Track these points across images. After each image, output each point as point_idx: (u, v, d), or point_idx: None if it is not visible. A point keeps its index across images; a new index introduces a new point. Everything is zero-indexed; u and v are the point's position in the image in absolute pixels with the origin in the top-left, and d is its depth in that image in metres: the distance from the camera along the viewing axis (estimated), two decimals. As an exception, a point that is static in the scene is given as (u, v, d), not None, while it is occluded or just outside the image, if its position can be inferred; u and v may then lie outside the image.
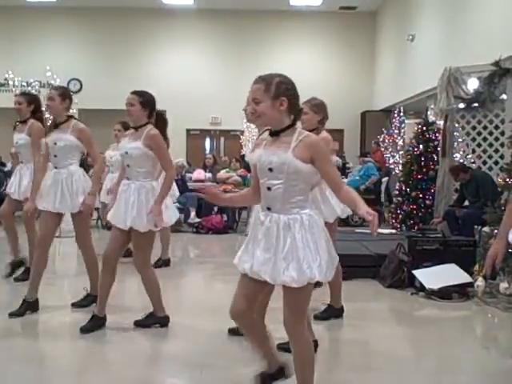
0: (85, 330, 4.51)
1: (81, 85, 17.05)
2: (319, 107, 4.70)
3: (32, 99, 6.01)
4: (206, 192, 3.16)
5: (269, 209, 2.90)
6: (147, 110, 4.53)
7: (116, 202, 4.62)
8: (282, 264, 2.81)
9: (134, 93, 4.56)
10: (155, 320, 4.72)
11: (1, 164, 13.43)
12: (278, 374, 3.20)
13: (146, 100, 4.53)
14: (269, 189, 2.87)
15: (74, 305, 5.31)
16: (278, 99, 2.86)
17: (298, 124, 3.01)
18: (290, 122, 2.91)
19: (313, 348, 3.03)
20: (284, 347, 3.45)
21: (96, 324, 4.57)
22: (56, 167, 5.06)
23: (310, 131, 4.60)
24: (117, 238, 4.55)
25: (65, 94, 5.05)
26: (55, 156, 5.04)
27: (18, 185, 6.12)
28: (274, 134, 2.91)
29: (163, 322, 4.72)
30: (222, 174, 11.63)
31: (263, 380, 3.19)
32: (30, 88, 15.22)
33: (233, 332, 4.38)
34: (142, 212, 4.43)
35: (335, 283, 4.93)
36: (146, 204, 4.46)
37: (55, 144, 4.98)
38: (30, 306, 5.00)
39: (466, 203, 8.13)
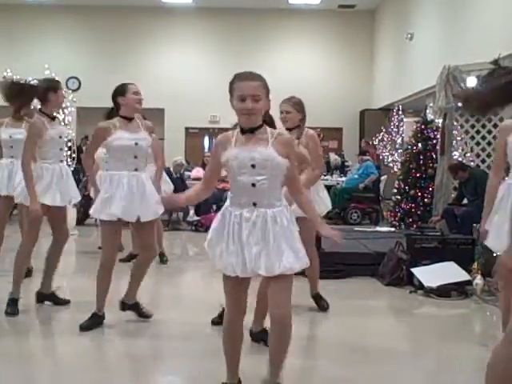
0: (84, 327, 4.51)
1: (79, 83, 17.04)
2: (300, 106, 4.77)
3: None
4: (163, 203, 3.31)
5: (254, 204, 2.93)
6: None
7: (126, 195, 4.47)
8: (276, 255, 2.88)
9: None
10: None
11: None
12: None
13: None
14: (253, 185, 2.91)
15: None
16: (267, 98, 3.01)
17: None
18: (261, 120, 3.01)
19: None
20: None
21: (95, 322, 4.56)
22: (61, 161, 5.08)
23: (291, 129, 4.64)
24: (114, 237, 4.57)
25: None
26: (61, 149, 5.05)
27: (6, 180, 6.09)
28: (250, 131, 2.98)
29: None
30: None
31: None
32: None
33: (216, 323, 4.49)
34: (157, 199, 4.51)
35: (314, 272, 5.00)
36: (154, 192, 4.60)
37: (60, 137, 4.98)
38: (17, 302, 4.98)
39: (465, 201, 8.13)
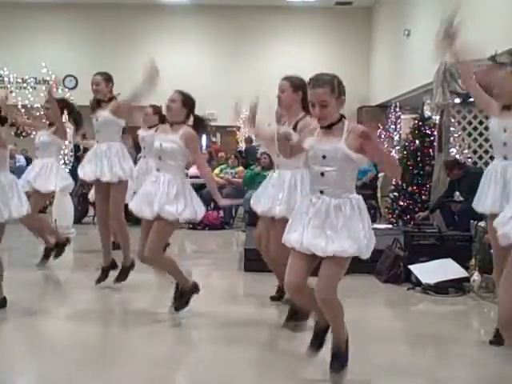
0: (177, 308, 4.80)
1: (76, 81, 17.02)
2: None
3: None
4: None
5: (321, 192, 3.23)
6: (186, 110, 4.75)
7: (142, 192, 4.72)
8: (332, 238, 3.17)
9: (179, 91, 4.83)
10: (188, 295, 4.81)
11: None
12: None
13: (187, 100, 4.78)
14: (322, 174, 3.22)
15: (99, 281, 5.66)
16: (339, 99, 3.24)
17: None
18: (339, 115, 3.26)
19: (343, 308, 3.39)
20: None
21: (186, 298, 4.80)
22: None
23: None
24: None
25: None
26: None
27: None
28: (327, 127, 3.24)
29: (195, 289, 4.85)
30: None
31: (321, 333, 3.59)
32: (25, 85, 15.20)
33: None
34: (173, 202, 4.53)
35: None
36: (176, 196, 4.57)
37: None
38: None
39: (456, 198, 8.14)
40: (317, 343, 3.56)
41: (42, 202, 6.65)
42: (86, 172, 5.64)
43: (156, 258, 4.66)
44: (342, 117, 3.26)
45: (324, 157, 3.20)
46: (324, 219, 3.19)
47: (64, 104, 6.64)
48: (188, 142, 4.60)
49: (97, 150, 5.62)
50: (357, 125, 3.28)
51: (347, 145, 3.16)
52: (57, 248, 6.60)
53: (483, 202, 4.19)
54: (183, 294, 4.82)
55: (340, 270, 3.27)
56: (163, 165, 4.65)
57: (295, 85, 4.41)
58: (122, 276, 5.65)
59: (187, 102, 4.75)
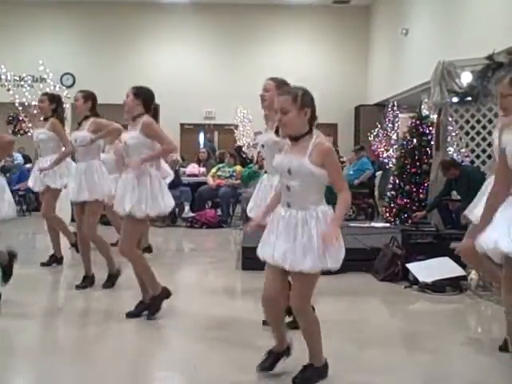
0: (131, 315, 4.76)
1: (74, 79, 17.00)
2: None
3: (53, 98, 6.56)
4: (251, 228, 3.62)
5: (288, 205, 3.27)
6: (139, 101, 4.73)
7: (118, 190, 4.79)
8: (300, 254, 3.17)
9: (131, 87, 4.81)
10: (159, 300, 4.82)
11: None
12: (284, 352, 3.60)
13: (138, 92, 4.75)
14: (288, 188, 3.26)
15: (77, 287, 5.70)
16: (302, 109, 3.22)
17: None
18: (307, 129, 3.25)
19: (319, 322, 3.39)
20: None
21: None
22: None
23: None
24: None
25: (88, 96, 5.78)
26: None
27: (36, 177, 6.46)
28: (294, 139, 3.27)
29: (167, 293, 4.87)
30: (211, 179, 11.30)
31: (274, 357, 3.57)
32: (22, 82, 15.18)
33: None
34: (142, 198, 4.59)
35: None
36: (147, 190, 4.62)
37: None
38: None
39: (453, 197, 8.15)
40: (267, 363, 3.55)
41: (55, 198, 6.60)
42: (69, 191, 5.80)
43: (129, 253, 4.71)
44: (311, 130, 3.26)
45: (289, 171, 3.23)
46: (292, 234, 3.21)
47: (57, 100, 6.60)
48: (147, 132, 4.66)
49: (77, 168, 5.78)
50: (321, 141, 3.22)
51: (311, 160, 3.17)
52: (53, 258, 6.84)
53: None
54: (154, 300, 4.81)
55: (309, 282, 3.26)
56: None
57: (280, 85, 4.40)
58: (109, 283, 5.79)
59: (139, 93, 4.74)
